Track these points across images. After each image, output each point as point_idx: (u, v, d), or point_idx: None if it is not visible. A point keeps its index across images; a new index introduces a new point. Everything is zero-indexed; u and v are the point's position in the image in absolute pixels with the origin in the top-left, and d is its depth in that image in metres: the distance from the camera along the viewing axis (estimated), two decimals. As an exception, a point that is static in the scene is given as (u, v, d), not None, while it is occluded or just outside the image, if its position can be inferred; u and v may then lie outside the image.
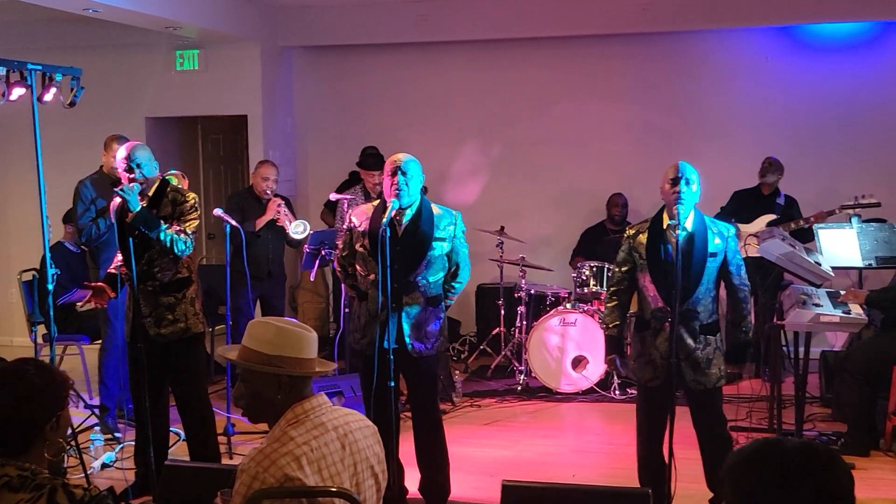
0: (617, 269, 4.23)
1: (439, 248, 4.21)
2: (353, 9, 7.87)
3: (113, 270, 4.75)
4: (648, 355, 4.08)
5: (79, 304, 4.78)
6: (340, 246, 4.44)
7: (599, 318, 6.56)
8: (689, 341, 4.03)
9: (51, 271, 4.66)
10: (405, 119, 8.27)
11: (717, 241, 4.04)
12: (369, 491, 2.52)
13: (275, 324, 2.51)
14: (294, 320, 2.62)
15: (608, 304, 4.27)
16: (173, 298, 4.54)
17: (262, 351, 2.47)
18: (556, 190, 8.08)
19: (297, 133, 8.54)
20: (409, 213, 4.19)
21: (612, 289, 4.26)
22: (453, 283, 4.38)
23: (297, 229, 6.21)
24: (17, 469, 2.24)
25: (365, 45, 8.16)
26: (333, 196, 6.56)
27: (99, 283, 4.72)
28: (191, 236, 4.49)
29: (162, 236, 4.37)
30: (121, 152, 4.49)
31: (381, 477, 2.57)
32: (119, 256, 4.70)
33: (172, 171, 5.55)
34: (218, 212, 5.72)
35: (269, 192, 6.33)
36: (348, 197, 6.51)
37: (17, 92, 4.61)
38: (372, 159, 6.81)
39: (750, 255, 5.65)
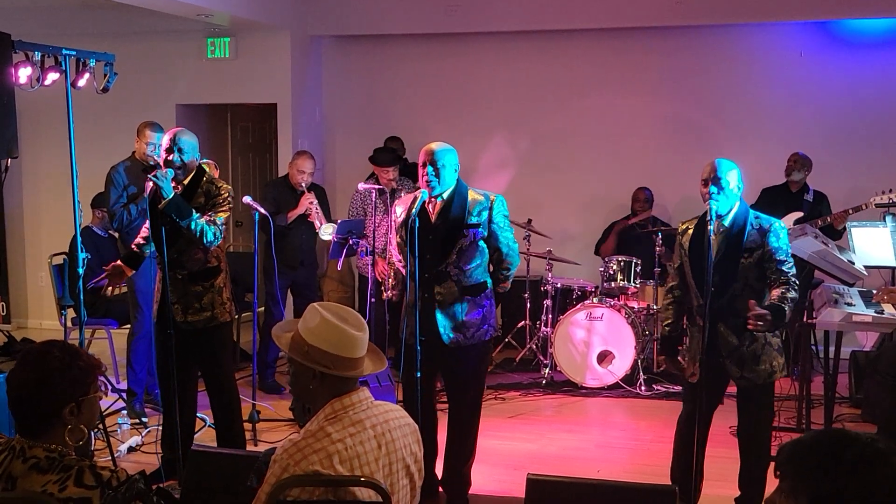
0: (672, 265, 4.28)
1: (471, 235, 4.16)
2: (384, -2, 7.87)
3: (134, 248, 4.79)
4: (694, 351, 4.07)
5: (104, 291, 4.86)
6: (392, 238, 4.47)
7: (626, 313, 6.54)
8: (732, 338, 3.98)
9: (81, 255, 4.70)
10: (433, 110, 8.25)
11: (755, 237, 3.94)
12: (403, 491, 2.48)
13: (323, 313, 2.44)
14: (353, 312, 2.52)
15: (664, 301, 4.33)
16: (201, 287, 4.56)
17: (304, 337, 2.44)
18: (583, 183, 8.03)
19: (326, 122, 8.55)
20: (441, 201, 4.18)
21: (668, 285, 4.31)
22: (501, 271, 4.30)
23: (327, 230, 6.22)
24: (44, 451, 2.26)
25: (394, 35, 8.14)
26: (362, 186, 6.56)
27: (115, 264, 4.76)
28: (220, 227, 4.47)
29: (192, 225, 4.36)
30: (166, 135, 4.55)
31: (416, 476, 2.53)
32: (143, 231, 4.73)
33: (205, 161, 5.57)
34: (247, 199, 5.74)
35: (304, 184, 6.32)
36: (376, 187, 6.51)
37: (52, 77, 4.65)
38: (384, 156, 6.79)
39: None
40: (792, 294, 3.93)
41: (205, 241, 4.42)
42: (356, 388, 2.47)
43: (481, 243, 4.21)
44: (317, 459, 2.29)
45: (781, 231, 4.00)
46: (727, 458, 4.35)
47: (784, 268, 3.95)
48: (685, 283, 4.15)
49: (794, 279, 3.96)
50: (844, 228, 6.20)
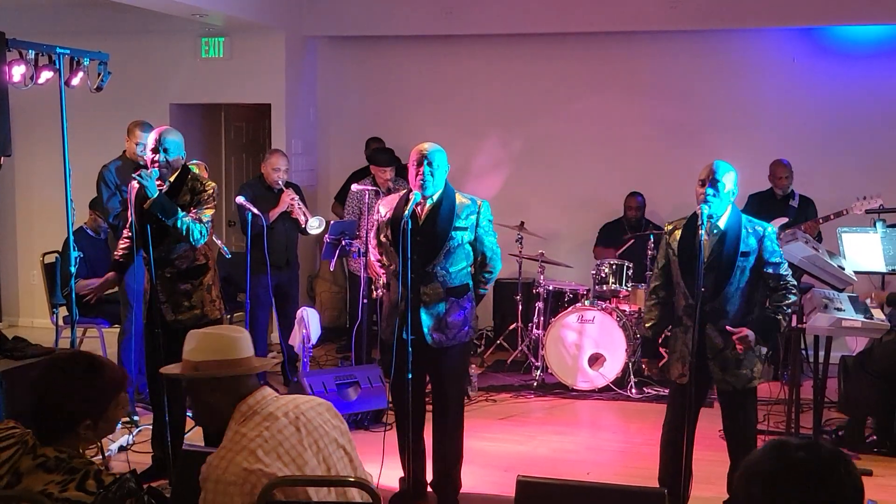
0: (656, 266, 4.27)
1: (459, 238, 4.19)
2: (379, 0, 7.87)
3: (117, 256, 4.80)
4: (679, 352, 4.08)
5: (86, 299, 4.90)
6: (372, 236, 4.48)
7: (617, 316, 6.55)
8: (718, 340, 4.01)
9: (74, 254, 4.70)
10: (427, 111, 8.26)
11: (751, 240, 4.00)
12: (341, 462, 2.57)
13: (200, 331, 2.61)
14: (226, 325, 2.71)
15: (648, 302, 4.31)
16: (190, 285, 4.57)
17: (190, 359, 2.53)
18: (576, 186, 8.05)
19: (320, 123, 8.56)
20: (432, 201, 4.19)
21: (652, 285, 4.30)
22: (484, 274, 4.35)
23: (314, 224, 6.22)
24: (55, 451, 2.28)
25: (389, 36, 8.15)
26: (356, 187, 6.56)
27: (110, 276, 4.77)
28: (206, 225, 4.50)
29: (178, 224, 4.39)
30: (152, 135, 4.55)
31: (349, 447, 2.63)
32: (123, 242, 4.75)
33: (195, 162, 5.58)
34: (240, 200, 5.75)
35: (280, 182, 6.32)
36: (370, 188, 6.51)
37: (45, 75, 4.65)
38: (383, 155, 6.82)
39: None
40: (791, 299, 4.03)
41: (191, 238, 4.45)
42: (257, 388, 2.57)
43: (467, 246, 4.25)
44: (242, 459, 2.35)
45: (774, 235, 4.08)
46: (715, 462, 4.37)
47: (782, 271, 4.04)
48: (670, 283, 4.17)
49: (793, 283, 4.05)
50: (819, 236, 6.27)
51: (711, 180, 3.95)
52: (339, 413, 2.67)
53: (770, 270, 4.02)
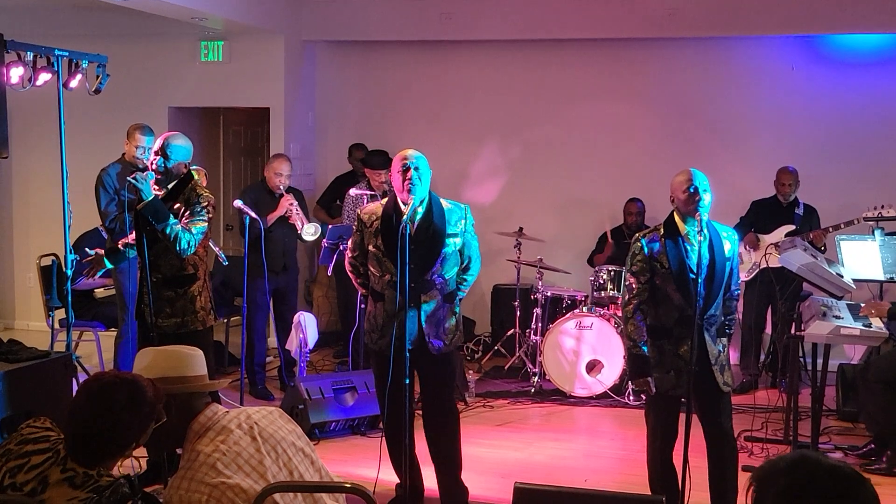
0: (635, 281, 4.04)
1: (453, 244, 4.19)
2: (377, 5, 7.86)
3: (119, 246, 4.82)
4: (669, 364, 4.02)
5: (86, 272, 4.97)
6: (350, 247, 4.38)
7: (615, 323, 6.53)
8: (713, 346, 4.02)
9: (70, 257, 4.69)
10: (425, 116, 8.26)
11: (729, 245, 4.07)
12: (303, 464, 2.57)
13: (154, 349, 2.64)
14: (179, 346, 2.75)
15: (633, 321, 4.03)
16: (174, 293, 4.54)
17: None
18: (574, 192, 8.05)
19: (318, 127, 8.55)
20: (420, 211, 4.15)
21: (634, 302, 4.02)
22: (465, 276, 4.34)
23: (309, 230, 6.20)
24: (84, 467, 2.26)
25: (388, 41, 8.15)
26: (354, 191, 6.55)
27: (98, 251, 4.82)
28: (196, 236, 4.46)
29: (168, 230, 4.37)
30: (159, 138, 4.55)
31: (307, 449, 2.64)
32: (132, 236, 4.75)
33: (194, 167, 5.57)
34: (238, 203, 5.74)
35: (281, 187, 6.31)
36: (368, 192, 6.50)
37: (44, 77, 4.65)
38: (378, 159, 6.82)
39: (771, 265, 5.61)
40: (735, 310, 4.25)
41: (178, 247, 4.41)
42: (208, 405, 2.58)
43: (457, 252, 4.24)
44: (203, 474, 2.36)
45: (737, 242, 4.19)
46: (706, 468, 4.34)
47: (737, 276, 4.19)
48: (655, 298, 4.04)
49: (739, 289, 4.30)
50: (825, 246, 6.26)
51: (703, 188, 3.96)
52: (290, 418, 2.69)
53: (734, 274, 4.13)
